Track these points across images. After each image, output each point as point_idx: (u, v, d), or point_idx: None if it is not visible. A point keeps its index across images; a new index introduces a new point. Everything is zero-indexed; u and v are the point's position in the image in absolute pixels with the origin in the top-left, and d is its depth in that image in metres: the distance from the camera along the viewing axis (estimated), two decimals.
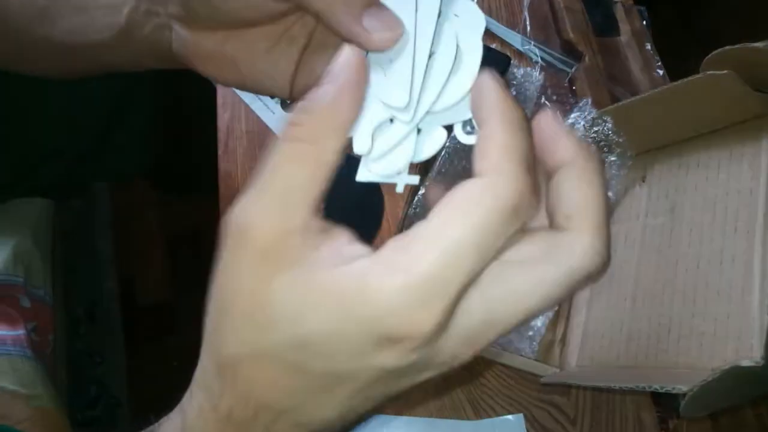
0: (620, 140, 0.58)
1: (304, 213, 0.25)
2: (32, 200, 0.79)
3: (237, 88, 0.42)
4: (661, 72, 0.76)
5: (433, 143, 0.29)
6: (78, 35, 0.42)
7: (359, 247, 0.25)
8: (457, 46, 0.30)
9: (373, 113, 0.29)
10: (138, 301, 1.35)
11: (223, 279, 0.26)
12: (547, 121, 0.26)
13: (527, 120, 0.26)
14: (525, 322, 0.26)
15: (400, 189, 0.29)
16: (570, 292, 0.25)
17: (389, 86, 0.29)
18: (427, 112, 0.29)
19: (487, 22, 0.78)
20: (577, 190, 0.25)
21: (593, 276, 0.25)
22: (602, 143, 0.58)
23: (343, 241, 0.25)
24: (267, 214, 0.25)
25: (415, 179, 0.29)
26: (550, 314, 0.58)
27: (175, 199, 1.39)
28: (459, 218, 0.23)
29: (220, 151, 0.69)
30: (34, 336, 0.70)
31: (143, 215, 1.42)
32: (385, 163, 0.29)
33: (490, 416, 0.58)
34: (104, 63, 0.45)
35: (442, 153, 0.59)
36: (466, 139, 0.29)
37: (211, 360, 0.27)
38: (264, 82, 0.39)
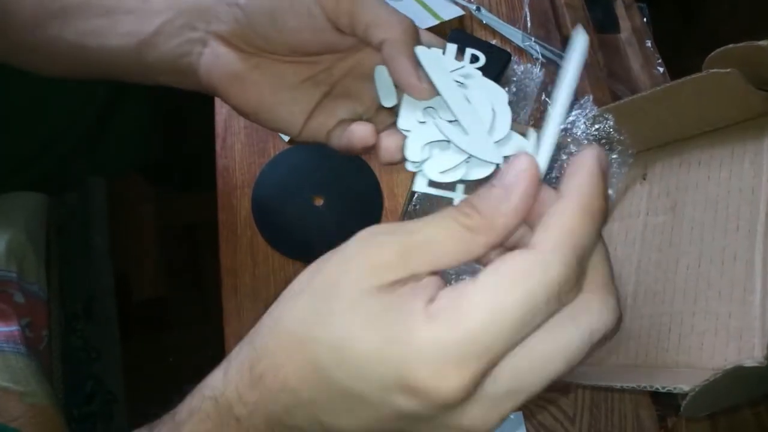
0: (621, 138, 0.58)
1: (426, 270, 0.26)
2: (26, 194, 0.78)
3: (250, 116, 0.43)
4: (661, 69, 0.76)
5: (481, 170, 0.35)
6: (95, 38, 0.43)
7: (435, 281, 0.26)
8: (493, 109, 0.37)
9: (429, 131, 0.36)
10: (134, 297, 1.35)
11: (330, 268, 0.27)
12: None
13: (605, 212, 0.26)
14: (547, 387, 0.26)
15: (456, 202, 0.34)
16: (591, 352, 0.25)
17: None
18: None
19: (487, 18, 0.80)
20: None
21: (611, 334, 0.26)
22: (603, 141, 0.58)
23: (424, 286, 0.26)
24: (401, 250, 0.26)
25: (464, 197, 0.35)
26: None
27: (171, 194, 1.39)
28: (509, 287, 0.24)
29: (218, 147, 0.69)
30: (28, 332, 0.70)
31: (139, 210, 1.41)
32: (441, 177, 0.35)
33: None
34: (111, 71, 0.45)
35: None
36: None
37: (272, 320, 0.28)
38: (280, 115, 0.41)
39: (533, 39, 0.75)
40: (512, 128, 0.36)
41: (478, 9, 0.76)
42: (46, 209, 0.81)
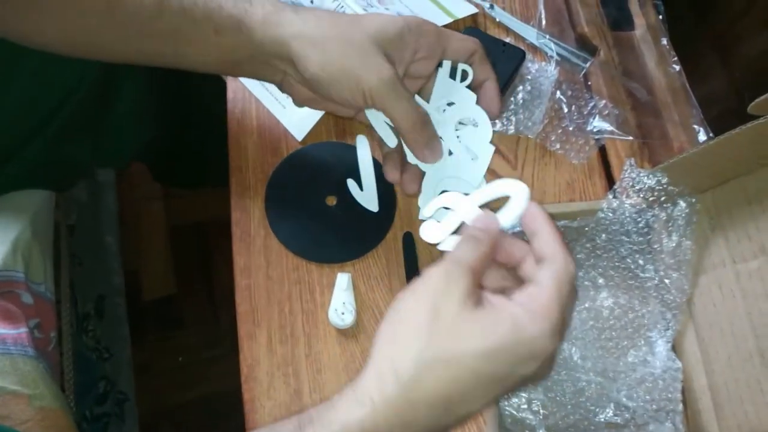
0: (678, 190, 0.55)
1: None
2: (32, 192, 0.77)
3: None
4: (677, 67, 0.75)
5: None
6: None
7: (500, 297, 0.40)
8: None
9: (443, 200, 0.48)
10: (143, 296, 1.35)
11: (435, 299, 0.40)
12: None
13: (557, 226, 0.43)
14: None
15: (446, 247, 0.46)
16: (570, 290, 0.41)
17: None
18: None
19: (501, 16, 0.79)
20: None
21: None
22: (663, 197, 0.55)
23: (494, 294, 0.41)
24: (473, 279, 0.41)
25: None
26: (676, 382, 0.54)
27: (182, 192, 1.38)
28: (563, 285, 0.40)
29: (230, 146, 0.68)
30: (36, 333, 0.69)
31: (149, 209, 1.41)
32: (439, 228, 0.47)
33: None
34: (199, 65, 0.56)
35: None
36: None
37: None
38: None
39: (547, 36, 0.74)
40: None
41: (491, 7, 0.75)
42: (52, 207, 0.80)
